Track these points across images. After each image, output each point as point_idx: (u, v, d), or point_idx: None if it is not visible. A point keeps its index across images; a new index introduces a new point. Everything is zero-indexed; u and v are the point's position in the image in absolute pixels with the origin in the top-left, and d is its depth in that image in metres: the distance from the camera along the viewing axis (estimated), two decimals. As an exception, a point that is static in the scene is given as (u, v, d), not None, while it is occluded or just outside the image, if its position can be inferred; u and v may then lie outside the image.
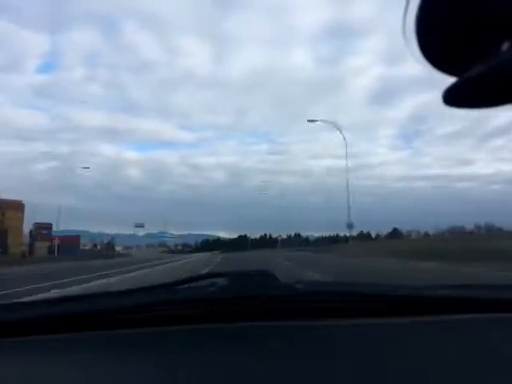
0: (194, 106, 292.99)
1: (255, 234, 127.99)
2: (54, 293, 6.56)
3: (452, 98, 0.46)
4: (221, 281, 1.00)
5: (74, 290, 7.07)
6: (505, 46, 0.42)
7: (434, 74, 0.47)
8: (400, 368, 0.67)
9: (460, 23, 0.44)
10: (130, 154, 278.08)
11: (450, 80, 0.46)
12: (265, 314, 0.92)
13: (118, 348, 0.82)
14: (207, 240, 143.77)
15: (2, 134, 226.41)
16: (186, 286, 1.05)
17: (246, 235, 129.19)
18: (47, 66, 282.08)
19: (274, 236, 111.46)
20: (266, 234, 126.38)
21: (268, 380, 0.65)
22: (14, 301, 1.09)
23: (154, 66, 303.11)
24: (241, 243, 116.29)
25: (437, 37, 0.45)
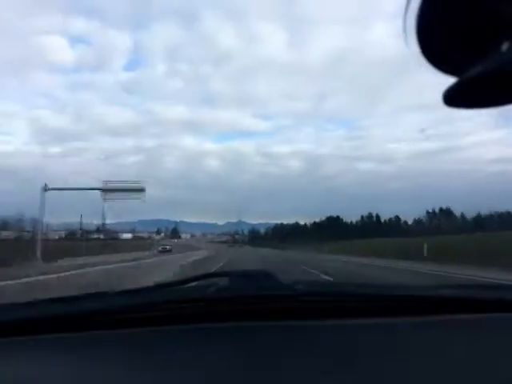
0: (271, 94, 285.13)
1: (350, 217, 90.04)
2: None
3: (452, 98, 0.46)
4: (221, 281, 1.01)
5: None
6: (505, 46, 0.42)
7: (434, 74, 0.47)
8: (400, 368, 0.67)
9: (460, 23, 0.44)
10: (209, 146, 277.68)
11: (450, 80, 0.46)
12: (265, 314, 0.92)
13: (117, 348, 0.82)
14: (281, 225, 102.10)
15: (96, 130, 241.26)
16: (186, 285, 1.06)
17: (338, 217, 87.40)
18: (132, 64, 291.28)
19: (384, 218, 72.51)
20: (370, 214, 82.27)
21: (268, 380, 0.65)
22: (14, 301, 1.10)
23: (232, 55, 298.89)
24: (332, 230, 72.59)
25: (437, 37, 0.45)
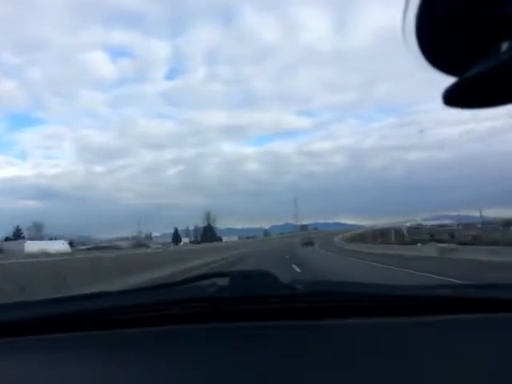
0: (314, 87, 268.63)
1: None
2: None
3: (452, 98, 0.46)
4: (221, 281, 1.01)
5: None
6: (505, 46, 0.41)
7: (434, 74, 0.47)
8: (400, 368, 0.67)
9: (460, 23, 0.43)
10: (250, 149, 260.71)
11: (450, 80, 0.46)
12: (265, 314, 0.92)
13: (118, 348, 0.83)
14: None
15: (137, 144, 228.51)
16: (186, 285, 1.06)
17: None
18: (172, 72, 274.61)
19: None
20: None
21: (268, 379, 0.65)
22: (14, 301, 1.10)
23: (272, 50, 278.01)
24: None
25: (437, 37, 0.45)
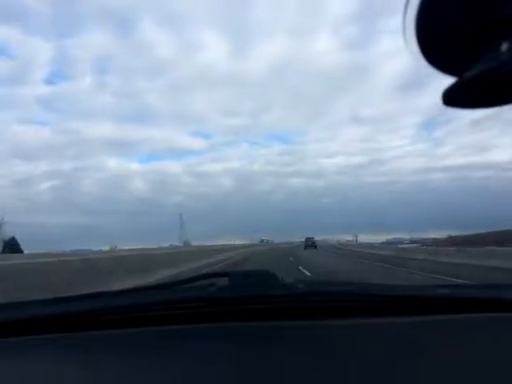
0: (209, 109, 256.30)
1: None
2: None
3: (452, 98, 0.46)
4: (221, 281, 1.00)
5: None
6: (505, 46, 0.41)
7: (433, 73, 0.47)
8: (400, 368, 0.67)
9: (460, 23, 0.44)
10: (137, 167, 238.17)
11: (449, 80, 0.46)
12: (265, 314, 0.92)
13: (117, 348, 0.83)
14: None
15: (7, 153, 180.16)
16: (186, 285, 1.05)
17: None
18: (54, 76, 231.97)
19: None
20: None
21: (268, 379, 0.65)
22: (14, 301, 1.09)
23: (168, 67, 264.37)
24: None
25: (437, 37, 0.45)
